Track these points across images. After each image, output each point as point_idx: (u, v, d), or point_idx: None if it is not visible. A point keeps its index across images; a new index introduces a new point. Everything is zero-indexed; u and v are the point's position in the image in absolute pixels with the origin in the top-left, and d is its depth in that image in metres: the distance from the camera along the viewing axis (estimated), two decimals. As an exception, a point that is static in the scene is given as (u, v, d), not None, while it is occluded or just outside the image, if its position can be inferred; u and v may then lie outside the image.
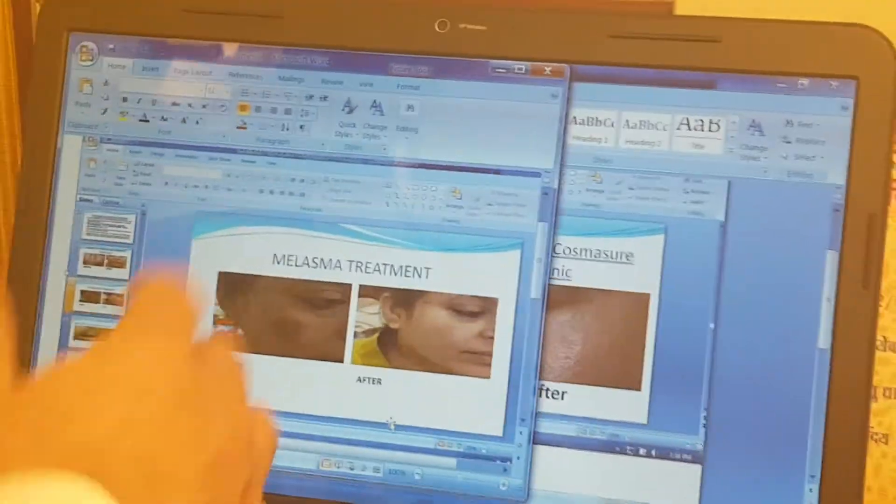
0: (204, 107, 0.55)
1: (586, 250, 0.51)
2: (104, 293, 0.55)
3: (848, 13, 0.49)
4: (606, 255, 0.50)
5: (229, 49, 0.54)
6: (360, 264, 0.52)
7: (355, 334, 0.52)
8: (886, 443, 0.53)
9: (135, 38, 0.55)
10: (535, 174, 0.51)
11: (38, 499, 0.21)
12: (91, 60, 0.56)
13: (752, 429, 0.48)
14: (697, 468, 0.49)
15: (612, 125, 0.51)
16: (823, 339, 0.48)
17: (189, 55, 0.55)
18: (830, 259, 0.48)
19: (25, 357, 0.55)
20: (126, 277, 0.54)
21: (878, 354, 0.51)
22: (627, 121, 0.51)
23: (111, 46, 0.55)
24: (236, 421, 0.29)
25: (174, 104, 0.55)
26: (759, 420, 0.48)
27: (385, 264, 0.52)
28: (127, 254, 0.55)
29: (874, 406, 0.51)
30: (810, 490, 0.48)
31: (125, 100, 0.55)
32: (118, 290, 0.54)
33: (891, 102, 0.48)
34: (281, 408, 0.52)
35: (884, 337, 0.51)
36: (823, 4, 0.51)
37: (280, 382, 0.53)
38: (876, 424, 0.51)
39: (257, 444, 0.31)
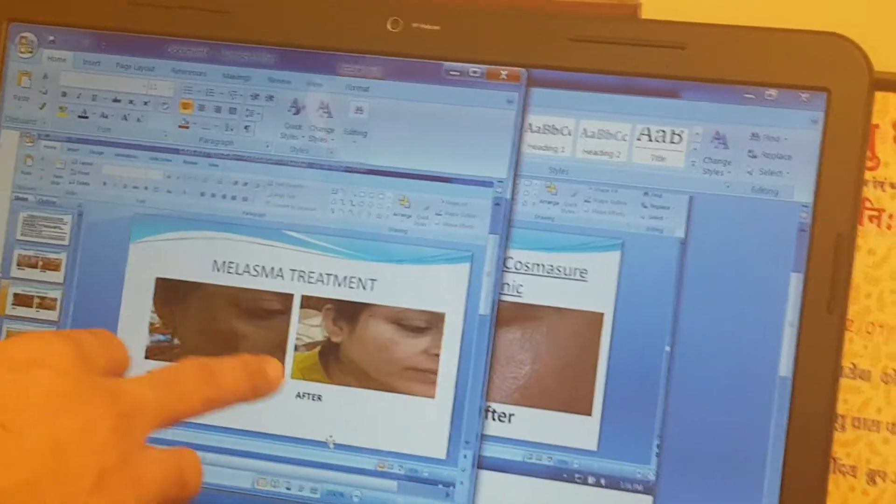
0: (146, 104, 0.52)
1: (539, 265, 0.48)
2: (37, 297, 0.52)
3: (820, 21, 0.46)
4: (559, 270, 0.48)
5: (173, 44, 0.52)
6: (302, 273, 0.50)
7: (296, 347, 0.50)
8: (854, 475, 0.50)
9: (77, 30, 0.53)
10: (488, 183, 0.48)
11: None
12: (30, 52, 0.53)
13: (708, 459, 0.46)
14: (649, 499, 0.46)
15: (570, 134, 0.48)
16: (785, 367, 0.45)
17: (132, 50, 0.52)
18: (795, 281, 0.45)
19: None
20: (60, 281, 0.52)
21: (847, 382, 0.48)
22: (585, 129, 0.48)
23: (52, 38, 0.53)
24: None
25: (115, 101, 0.52)
26: (715, 450, 0.46)
27: (329, 274, 0.50)
28: (62, 256, 0.52)
29: (841, 436, 0.48)
30: (766, 526, 0.45)
31: (65, 94, 0.53)
32: (52, 293, 0.52)
33: (863, 117, 0.45)
34: (215, 422, 0.50)
35: (853, 364, 0.49)
36: (795, 11, 0.48)
37: (216, 396, 0.50)
38: (843, 456, 0.48)
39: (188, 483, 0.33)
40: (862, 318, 0.49)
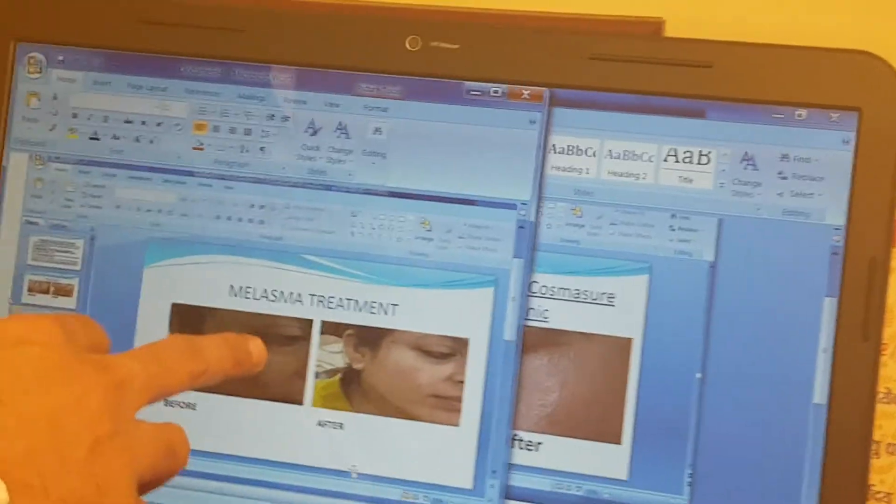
0: (158, 125, 0.51)
1: (565, 289, 0.47)
2: (50, 323, 0.51)
3: (849, 39, 0.45)
4: (586, 295, 0.47)
5: (186, 64, 0.51)
6: (322, 298, 0.49)
7: (316, 374, 0.49)
8: (889, 502, 0.49)
9: (86, 49, 0.52)
10: (511, 206, 0.47)
11: None
12: (39, 73, 0.52)
13: (741, 489, 0.45)
14: (681, 529, 0.45)
15: (594, 154, 0.47)
16: (819, 394, 0.44)
17: (144, 69, 0.51)
18: (828, 306, 0.44)
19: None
20: (73, 307, 0.51)
21: (882, 408, 0.47)
22: (610, 150, 0.47)
23: (61, 58, 0.52)
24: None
25: (127, 122, 0.51)
26: (748, 479, 0.45)
27: (349, 299, 0.49)
28: (74, 281, 0.51)
29: (877, 463, 0.47)
30: (802, 558, 0.44)
31: (75, 116, 0.52)
32: (65, 320, 0.51)
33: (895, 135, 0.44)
34: (235, 452, 0.49)
35: (888, 389, 0.48)
36: (824, 29, 0.47)
37: (235, 425, 0.49)
38: (878, 482, 0.48)
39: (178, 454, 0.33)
40: None
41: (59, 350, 0.30)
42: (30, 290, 0.51)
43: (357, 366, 0.48)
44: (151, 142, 0.51)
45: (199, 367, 0.34)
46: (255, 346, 0.37)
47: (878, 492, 0.48)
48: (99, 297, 0.51)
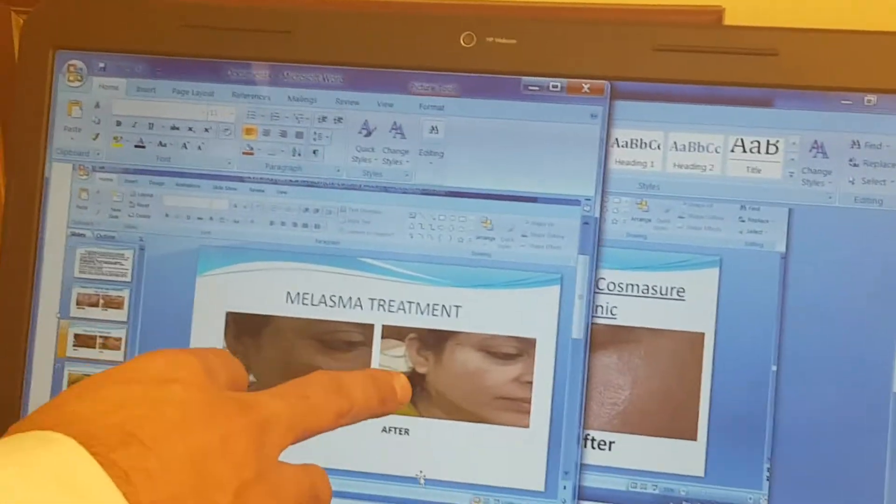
0: (206, 130, 0.50)
1: (633, 285, 0.46)
2: (100, 336, 0.50)
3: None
4: (655, 290, 0.46)
5: (232, 67, 0.50)
6: (382, 302, 0.48)
7: (379, 379, 0.47)
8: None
9: (128, 56, 0.51)
10: (575, 202, 0.47)
11: (21, 448, 0.25)
12: (80, 81, 0.51)
13: (822, 482, 0.44)
14: (762, 525, 0.45)
15: (659, 147, 0.46)
16: (899, 383, 0.44)
17: (188, 74, 0.50)
18: (906, 294, 0.44)
19: (15, 407, 0.50)
20: (124, 319, 0.50)
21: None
22: (675, 142, 0.46)
23: (102, 65, 0.51)
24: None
25: (173, 128, 0.50)
26: (828, 472, 0.44)
27: (410, 302, 0.48)
28: (125, 293, 0.50)
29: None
30: (889, 550, 0.43)
31: (119, 124, 0.50)
32: (116, 333, 0.50)
33: (968, 119, 0.44)
34: (298, 461, 0.48)
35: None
36: (887, 11, 0.46)
37: (297, 434, 0.48)
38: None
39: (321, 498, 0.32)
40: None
41: (202, 388, 0.29)
42: (78, 303, 0.50)
43: (421, 370, 0.47)
44: (199, 148, 0.50)
45: (345, 406, 0.33)
46: (400, 384, 0.35)
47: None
48: (151, 309, 0.50)
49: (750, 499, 0.45)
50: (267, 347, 0.49)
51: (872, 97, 0.45)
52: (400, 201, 0.48)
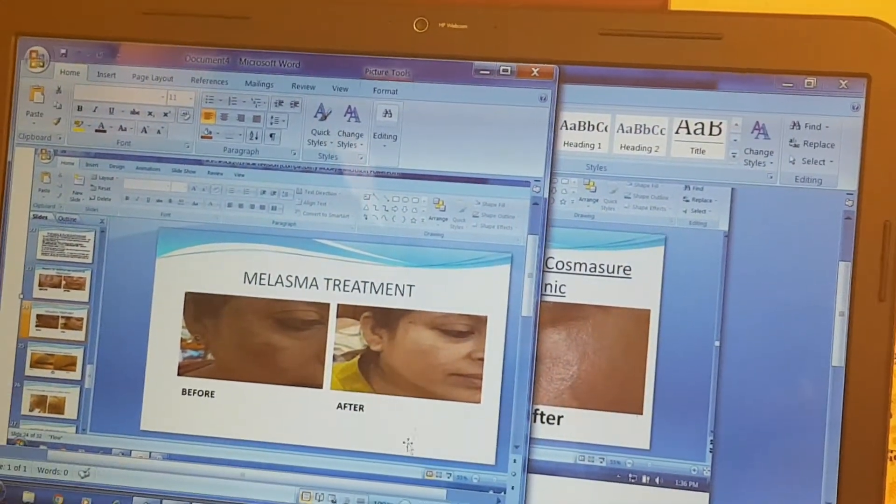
0: (165, 115, 0.51)
1: (581, 264, 0.47)
2: (62, 317, 0.51)
3: (857, 7, 0.46)
4: (602, 268, 0.47)
5: (191, 53, 0.50)
6: (338, 282, 0.49)
7: (334, 357, 0.49)
8: (902, 461, 0.50)
9: (89, 42, 0.51)
10: (524, 183, 0.48)
11: None
12: (42, 66, 0.51)
13: (763, 453, 0.45)
14: (705, 496, 0.46)
15: (606, 129, 0.47)
16: (837, 357, 0.45)
17: (148, 60, 0.51)
18: (843, 271, 0.45)
19: (-21, 387, 0.51)
20: (86, 300, 0.50)
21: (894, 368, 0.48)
22: (622, 125, 0.47)
23: (63, 51, 0.51)
24: None
25: (133, 112, 0.51)
26: (769, 444, 0.45)
27: (365, 282, 0.49)
28: (86, 274, 0.51)
29: (891, 423, 0.48)
30: (827, 519, 0.45)
31: (80, 108, 0.51)
32: (77, 313, 0.50)
33: (904, 101, 0.45)
34: (256, 437, 0.49)
35: (898, 349, 0.48)
36: (828, -3, 0.48)
37: (255, 410, 0.49)
38: (892, 442, 0.48)
39: None
40: (907, 302, 0.49)
41: None
42: (40, 284, 0.51)
43: (375, 347, 0.48)
44: (159, 132, 0.51)
45: None
46: None
47: (891, 450, 0.48)
48: (112, 290, 0.50)
49: (693, 470, 0.46)
50: (225, 327, 0.50)
51: (812, 79, 0.46)
52: (355, 183, 0.49)
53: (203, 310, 0.50)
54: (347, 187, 0.49)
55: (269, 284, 0.49)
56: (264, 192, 0.50)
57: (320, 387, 0.49)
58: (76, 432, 0.50)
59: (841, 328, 0.45)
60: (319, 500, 0.48)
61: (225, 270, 0.50)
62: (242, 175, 0.50)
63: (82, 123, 0.51)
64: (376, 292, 0.49)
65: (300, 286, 0.49)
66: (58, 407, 0.51)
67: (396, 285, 0.48)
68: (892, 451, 0.49)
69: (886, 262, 0.44)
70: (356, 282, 0.49)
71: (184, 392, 0.50)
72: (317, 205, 0.49)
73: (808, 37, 0.46)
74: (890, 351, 0.44)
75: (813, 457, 0.45)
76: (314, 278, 0.49)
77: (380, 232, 0.49)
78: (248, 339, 0.49)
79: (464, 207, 0.48)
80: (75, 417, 0.50)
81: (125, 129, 0.51)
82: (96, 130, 0.51)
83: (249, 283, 0.50)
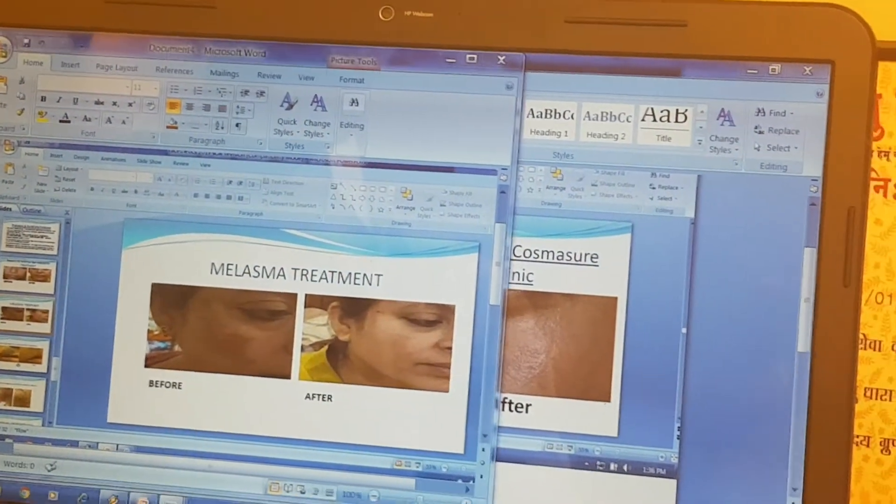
0: (130, 105, 0.50)
1: (548, 252, 0.47)
2: (28, 309, 0.50)
3: (821, -7, 0.46)
4: (570, 256, 0.47)
5: (155, 42, 0.50)
6: (305, 272, 0.49)
7: (302, 348, 0.48)
8: (868, 445, 0.51)
9: (53, 31, 0.51)
10: (491, 171, 0.48)
11: None
12: (5, 56, 0.51)
13: (730, 440, 0.45)
14: (672, 483, 0.46)
15: (572, 117, 0.47)
16: (803, 342, 0.45)
17: (112, 50, 0.50)
18: (808, 257, 0.45)
19: (-56, 381, 0.50)
20: (51, 292, 0.50)
21: (858, 353, 0.48)
22: (588, 112, 0.47)
23: (26, 41, 0.51)
24: None
25: (98, 103, 0.51)
26: (736, 430, 0.45)
27: (332, 271, 0.49)
28: (51, 266, 0.50)
29: (856, 408, 0.48)
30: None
31: (44, 99, 0.51)
32: (43, 305, 0.50)
33: (868, 88, 0.45)
34: (224, 428, 0.49)
35: (864, 334, 0.49)
36: (793, -17, 0.48)
37: (222, 401, 0.49)
38: (856, 427, 0.49)
39: None
40: (871, 288, 0.50)
41: None
42: (5, 276, 0.51)
43: (343, 337, 0.48)
44: (124, 122, 0.50)
45: None
46: None
47: (857, 435, 0.49)
48: (77, 281, 0.50)
49: (661, 457, 0.46)
50: (192, 318, 0.49)
51: (777, 66, 0.46)
52: (322, 173, 0.49)
53: (170, 301, 0.50)
54: (314, 177, 0.49)
55: (236, 275, 0.49)
56: (231, 181, 0.49)
57: (288, 377, 0.48)
58: (42, 425, 0.50)
59: (806, 314, 0.45)
60: (288, 491, 0.48)
61: (192, 261, 0.49)
62: (209, 165, 0.50)
63: (46, 114, 0.51)
64: (344, 282, 0.48)
65: (268, 276, 0.49)
66: (24, 400, 0.50)
67: (364, 275, 0.48)
68: (857, 437, 0.50)
69: (851, 247, 0.45)
70: (324, 271, 0.49)
71: (151, 384, 0.49)
72: (284, 195, 0.49)
73: (772, 24, 0.46)
74: (855, 336, 0.44)
75: (779, 442, 0.45)
76: (281, 268, 0.49)
77: (347, 221, 0.48)
78: (215, 330, 0.49)
79: (431, 196, 0.48)
80: (41, 410, 0.50)
81: (90, 120, 0.51)
82: (60, 121, 0.51)
83: (217, 273, 0.49)
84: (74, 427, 0.50)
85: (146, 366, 0.49)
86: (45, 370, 0.50)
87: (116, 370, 0.49)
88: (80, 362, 0.50)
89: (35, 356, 0.50)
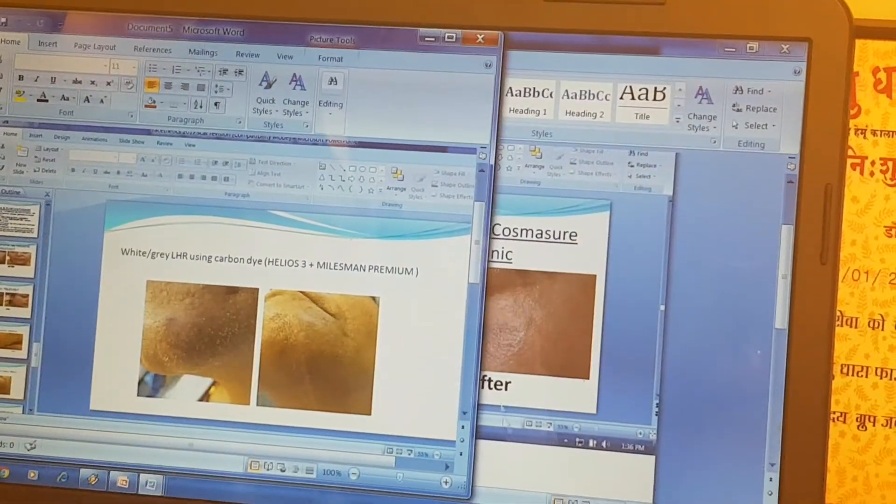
0: (108, 84, 0.50)
1: (527, 230, 0.47)
2: (7, 293, 0.50)
3: (798, -30, 0.46)
4: (549, 234, 0.47)
5: (134, 21, 0.50)
6: (290, 258, 0.49)
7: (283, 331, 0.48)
8: (844, 421, 0.51)
9: (30, 10, 0.51)
10: (471, 150, 0.48)
11: None
12: (-18, 36, 0.51)
13: (708, 416, 0.46)
14: (651, 459, 0.46)
15: (551, 95, 0.47)
16: (780, 319, 0.45)
17: (90, 29, 0.50)
18: (786, 234, 0.45)
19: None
20: (31, 275, 0.50)
21: (835, 330, 0.48)
22: (567, 91, 0.47)
23: (3, 20, 0.51)
24: None
25: (76, 82, 0.50)
26: (714, 406, 0.46)
27: (318, 254, 0.48)
28: (31, 249, 0.50)
29: (833, 384, 0.48)
30: (770, 479, 0.45)
31: (21, 78, 0.51)
32: (23, 289, 0.50)
33: (845, 65, 0.45)
34: (206, 416, 0.49)
35: (840, 311, 0.49)
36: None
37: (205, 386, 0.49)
38: (833, 402, 0.49)
39: None
40: (848, 265, 0.50)
41: None
42: (-16, 258, 0.51)
43: (324, 319, 0.48)
44: (102, 101, 0.50)
45: None
46: None
47: (833, 412, 0.49)
48: (58, 265, 0.50)
49: (640, 433, 0.46)
50: (176, 304, 0.49)
51: (754, 44, 0.46)
52: (309, 153, 0.49)
53: (154, 286, 0.49)
54: (302, 157, 0.49)
55: (219, 259, 0.49)
56: (216, 162, 0.49)
57: (269, 357, 0.49)
58: (23, 413, 0.50)
59: (784, 291, 0.45)
60: (268, 469, 0.49)
61: (176, 244, 0.49)
62: (193, 145, 0.50)
63: (24, 93, 0.51)
64: (330, 268, 0.48)
65: (254, 263, 0.49)
66: (3, 387, 0.50)
67: (349, 257, 0.48)
68: (834, 413, 0.50)
69: (828, 224, 0.45)
70: (309, 255, 0.48)
71: (135, 371, 0.49)
72: (271, 175, 0.49)
73: (749, 2, 0.46)
74: (832, 313, 0.45)
75: (757, 418, 0.45)
76: (268, 252, 0.49)
77: (336, 203, 0.48)
78: (198, 312, 0.49)
79: (422, 177, 0.48)
80: (22, 398, 0.50)
81: (68, 99, 0.50)
82: (38, 100, 0.51)
83: (199, 257, 0.49)
84: (56, 414, 0.50)
85: (130, 353, 0.49)
86: (25, 356, 0.50)
87: (99, 356, 0.49)
88: (62, 348, 0.50)
89: (15, 342, 0.50)
